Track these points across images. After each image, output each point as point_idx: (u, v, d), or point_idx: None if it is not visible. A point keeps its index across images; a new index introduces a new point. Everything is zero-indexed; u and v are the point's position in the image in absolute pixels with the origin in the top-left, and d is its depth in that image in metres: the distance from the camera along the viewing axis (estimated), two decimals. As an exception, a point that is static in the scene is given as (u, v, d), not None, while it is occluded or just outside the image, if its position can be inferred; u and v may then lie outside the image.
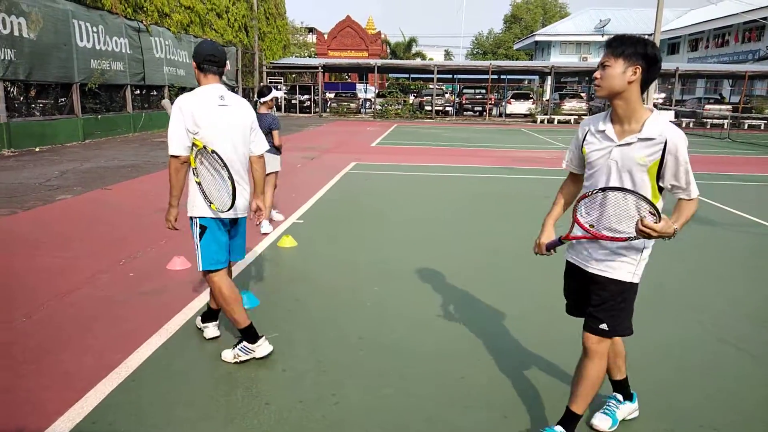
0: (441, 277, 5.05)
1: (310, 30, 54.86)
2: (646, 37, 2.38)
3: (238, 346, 3.35)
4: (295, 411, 2.87)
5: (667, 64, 35.74)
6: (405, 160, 13.72)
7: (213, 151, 3.12)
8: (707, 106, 32.00)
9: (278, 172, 6.72)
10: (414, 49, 54.81)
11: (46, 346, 3.51)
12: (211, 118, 3.15)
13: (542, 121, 31.71)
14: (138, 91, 19.79)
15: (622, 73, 2.31)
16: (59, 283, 4.61)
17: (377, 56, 44.57)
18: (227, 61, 3.36)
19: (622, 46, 2.32)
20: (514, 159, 14.45)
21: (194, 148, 3.16)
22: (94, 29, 16.26)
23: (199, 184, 3.18)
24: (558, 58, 48.80)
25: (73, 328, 3.78)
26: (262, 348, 3.35)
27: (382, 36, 52.11)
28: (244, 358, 3.34)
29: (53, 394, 2.94)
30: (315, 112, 34.07)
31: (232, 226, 3.40)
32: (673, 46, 50.32)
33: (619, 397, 2.88)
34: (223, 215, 3.22)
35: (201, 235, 3.23)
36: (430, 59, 51.93)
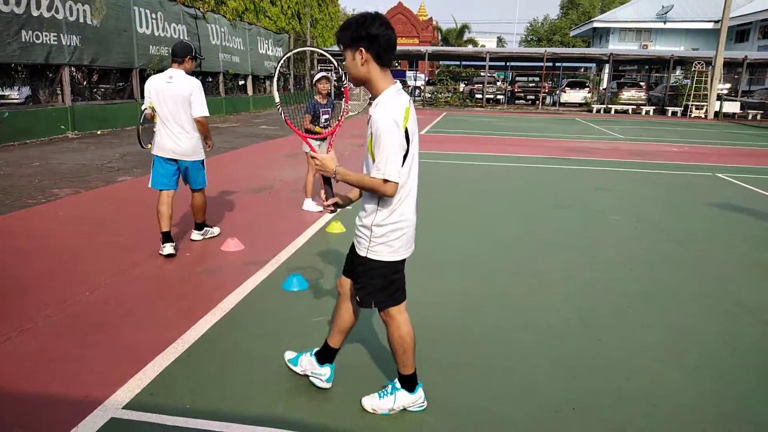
0: (491, 265, 4.98)
1: (362, 17, 54.75)
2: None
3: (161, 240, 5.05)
4: (346, 396, 2.89)
5: (734, 53, 33.92)
6: (454, 148, 13.58)
7: (145, 109, 4.80)
8: (777, 97, 30.24)
9: None
10: (466, 36, 54.14)
11: (108, 320, 3.66)
12: (156, 89, 4.79)
13: (598, 111, 30.76)
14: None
15: (353, 60, 2.36)
16: (120, 260, 4.81)
17: (428, 43, 44.23)
18: (190, 53, 4.84)
19: (341, 36, 2.38)
20: (568, 149, 14.09)
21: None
22: (153, 16, 16.75)
23: (154, 132, 4.83)
24: (617, 46, 46.95)
25: (133, 304, 3.94)
26: (166, 249, 4.92)
27: (434, 22, 51.68)
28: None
29: (114, 366, 3.07)
30: (364, 100, 34.09)
31: (179, 164, 4.96)
32: (741, 34, 47.54)
33: (398, 384, 2.74)
34: (159, 153, 4.88)
35: (152, 164, 4.97)
36: (482, 46, 51.11)
